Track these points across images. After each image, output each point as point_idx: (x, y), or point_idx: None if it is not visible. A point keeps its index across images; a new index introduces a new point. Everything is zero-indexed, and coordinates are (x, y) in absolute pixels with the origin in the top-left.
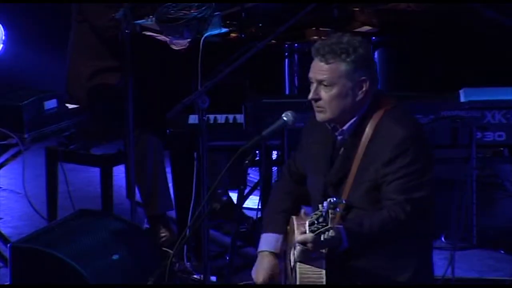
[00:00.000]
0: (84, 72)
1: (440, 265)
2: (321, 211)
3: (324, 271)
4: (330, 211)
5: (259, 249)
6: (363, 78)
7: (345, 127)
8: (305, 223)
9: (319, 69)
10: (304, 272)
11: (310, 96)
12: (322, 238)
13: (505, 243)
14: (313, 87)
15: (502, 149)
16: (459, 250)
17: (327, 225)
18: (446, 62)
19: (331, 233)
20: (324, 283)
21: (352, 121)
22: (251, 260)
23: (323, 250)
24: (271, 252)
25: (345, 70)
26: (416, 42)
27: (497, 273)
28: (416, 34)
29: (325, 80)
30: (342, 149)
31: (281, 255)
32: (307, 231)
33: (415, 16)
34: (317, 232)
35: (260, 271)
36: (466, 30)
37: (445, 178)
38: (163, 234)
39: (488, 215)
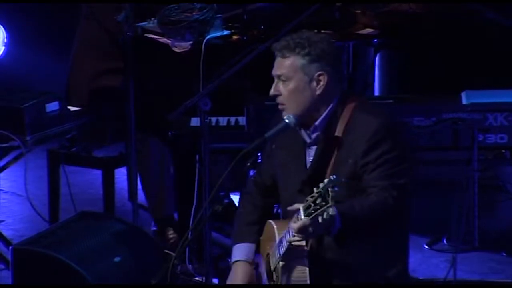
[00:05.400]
0: (88, 72)
1: (442, 267)
2: (318, 192)
3: (307, 269)
4: (329, 189)
5: (233, 259)
6: (320, 72)
7: (316, 123)
8: (299, 210)
9: (276, 64)
10: (288, 270)
11: (271, 92)
12: (320, 220)
13: (506, 245)
14: (274, 83)
15: (503, 151)
16: (460, 252)
17: (328, 204)
18: (447, 64)
19: (331, 211)
20: (308, 280)
21: (322, 116)
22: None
23: (306, 247)
24: (245, 261)
25: (300, 64)
26: (418, 44)
27: (498, 275)
28: (418, 36)
29: (282, 75)
30: (316, 146)
31: (253, 265)
32: (302, 216)
33: (417, 18)
34: (313, 215)
35: (236, 282)
36: (468, 32)
37: (446, 180)
38: (171, 236)
39: (489, 217)
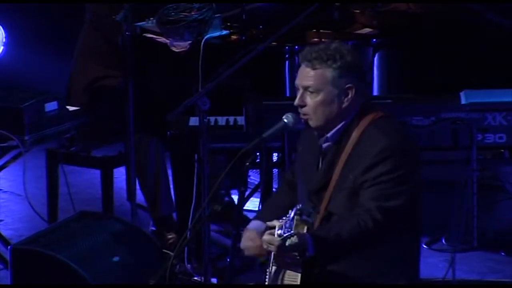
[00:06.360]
0: (89, 74)
1: (440, 267)
2: (288, 217)
3: (299, 275)
4: (296, 217)
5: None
6: (349, 85)
7: (329, 134)
8: (276, 227)
9: (305, 75)
10: (281, 277)
11: (296, 102)
12: (287, 244)
13: (505, 245)
14: (299, 93)
15: (502, 151)
16: (459, 252)
17: (292, 231)
18: (446, 64)
19: (294, 239)
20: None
21: (337, 128)
22: (252, 262)
23: (297, 257)
24: (253, 230)
25: (331, 76)
26: (417, 43)
27: (497, 274)
28: (417, 35)
29: (311, 86)
30: (326, 155)
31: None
32: (276, 235)
33: (416, 18)
34: (283, 237)
35: (242, 241)
36: (467, 32)
37: (445, 180)
38: (169, 236)
39: (488, 217)
